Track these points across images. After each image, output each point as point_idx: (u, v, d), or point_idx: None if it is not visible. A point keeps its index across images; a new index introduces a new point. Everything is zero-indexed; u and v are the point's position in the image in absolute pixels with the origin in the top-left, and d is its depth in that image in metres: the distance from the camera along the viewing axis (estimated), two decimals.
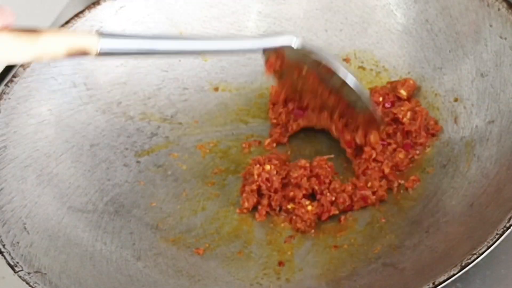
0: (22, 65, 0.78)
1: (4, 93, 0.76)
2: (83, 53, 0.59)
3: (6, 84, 0.77)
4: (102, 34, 0.60)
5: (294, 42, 0.70)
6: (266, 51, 0.72)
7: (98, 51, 0.59)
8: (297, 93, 0.77)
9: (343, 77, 0.71)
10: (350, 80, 0.71)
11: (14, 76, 0.77)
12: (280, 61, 0.72)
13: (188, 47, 0.68)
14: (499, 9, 0.74)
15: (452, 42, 0.78)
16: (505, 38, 0.73)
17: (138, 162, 0.81)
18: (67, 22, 0.81)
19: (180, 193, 0.79)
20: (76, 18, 0.81)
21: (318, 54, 0.71)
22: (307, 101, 0.77)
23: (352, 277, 0.68)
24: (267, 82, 0.85)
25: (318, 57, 0.71)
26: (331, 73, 0.70)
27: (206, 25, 0.86)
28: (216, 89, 0.86)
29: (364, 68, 0.84)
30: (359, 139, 0.75)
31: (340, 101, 0.73)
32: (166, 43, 0.66)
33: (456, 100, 0.76)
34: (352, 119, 0.74)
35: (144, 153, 0.81)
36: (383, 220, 0.72)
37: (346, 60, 0.84)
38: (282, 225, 0.74)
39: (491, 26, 0.75)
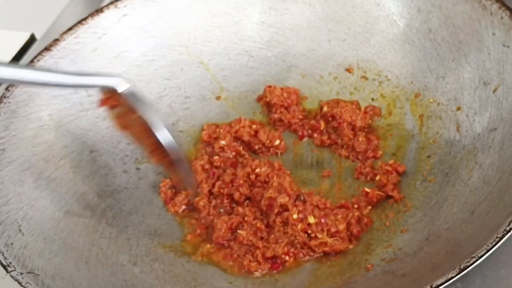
0: None
1: (4, 97, 0.76)
2: None
3: (6, 88, 0.77)
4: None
5: (119, 86, 0.67)
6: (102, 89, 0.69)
7: None
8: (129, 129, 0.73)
9: (160, 139, 0.67)
10: (167, 141, 0.68)
11: None
12: (115, 100, 0.69)
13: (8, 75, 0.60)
14: (502, 18, 0.74)
15: (455, 51, 0.78)
16: (508, 46, 0.73)
17: (137, 169, 0.80)
18: (70, 29, 0.81)
19: None
20: (79, 25, 0.82)
21: (140, 107, 0.67)
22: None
23: (350, 284, 0.67)
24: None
25: (140, 110, 0.67)
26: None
27: (209, 34, 0.86)
28: (218, 98, 0.86)
29: (367, 78, 0.83)
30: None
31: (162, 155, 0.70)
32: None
33: (458, 108, 0.76)
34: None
35: (144, 160, 0.81)
36: (384, 227, 0.71)
37: (349, 70, 0.84)
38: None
39: (494, 34, 0.74)
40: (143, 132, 0.68)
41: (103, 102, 0.69)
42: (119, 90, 0.67)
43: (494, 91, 0.73)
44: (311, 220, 0.70)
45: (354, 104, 0.82)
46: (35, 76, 0.62)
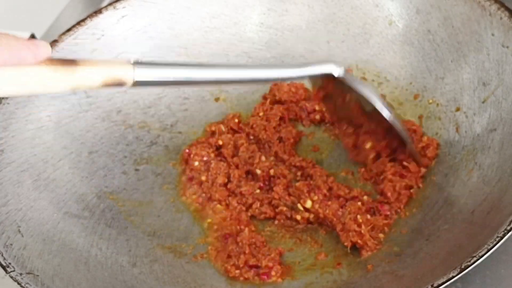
0: None
1: (3, 98, 0.75)
2: (119, 84, 0.58)
3: None
4: (137, 64, 0.58)
5: (335, 71, 0.69)
6: (312, 79, 0.73)
7: (134, 81, 0.58)
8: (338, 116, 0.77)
9: (379, 110, 0.70)
10: (386, 114, 0.71)
11: None
12: (326, 88, 0.72)
13: (226, 76, 0.65)
14: (501, 18, 0.74)
15: (454, 52, 0.78)
16: (507, 47, 0.73)
17: (136, 170, 0.80)
18: (68, 30, 0.81)
19: (179, 202, 0.78)
20: (77, 26, 0.82)
21: (357, 85, 0.70)
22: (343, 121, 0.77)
23: (350, 284, 0.67)
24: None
25: (356, 88, 0.70)
26: (369, 104, 0.70)
27: (208, 36, 0.86)
28: (217, 99, 0.86)
29: (366, 79, 0.83)
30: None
31: (376, 126, 0.73)
32: (204, 72, 0.63)
33: (457, 109, 0.76)
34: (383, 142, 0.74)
35: (143, 162, 0.81)
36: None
37: (348, 71, 0.84)
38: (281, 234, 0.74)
39: (493, 35, 0.74)
40: (357, 113, 0.71)
41: (316, 94, 0.73)
42: (336, 75, 0.69)
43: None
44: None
45: None
46: (260, 74, 0.67)
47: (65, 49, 0.80)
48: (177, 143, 0.83)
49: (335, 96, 0.73)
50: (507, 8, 0.74)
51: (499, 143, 0.70)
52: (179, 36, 0.86)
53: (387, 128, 0.71)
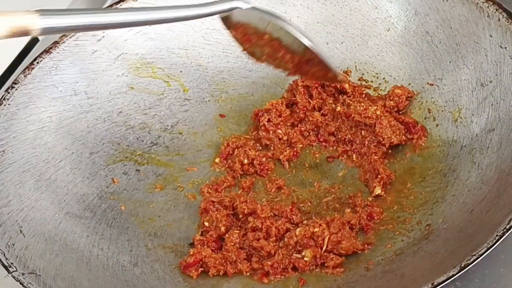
0: (23, 72, 0.78)
1: (4, 99, 0.76)
2: (25, 33, 0.58)
3: (6, 90, 0.77)
4: (42, 12, 0.58)
5: (243, 4, 0.68)
6: (225, 22, 0.71)
7: (39, 29, 0.58)
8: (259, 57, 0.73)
9: (298, 38, 0.68)
10: (306, 42, 0.68)
11: (14, 83, 0.77)
12: (243, 29, 0.71)
13: (133, 18, 0.64)
14: (499, 19, 0.74)
15: (452, 53, 0.78)
16: (505, 48, 0.73)
17: (137, 171, 0.80)
18: None
19: (179, 202, 0.78)
20: None
21: (268, 14, 0.69)
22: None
23: (350, 284, 0.67)
24: (268, 94, 0.86)
25: (269, 17, 0.68)
26: (289, 35, 0.68)
27: (207, 37, 0.87)
28: (217, 100, 0.86)
29: (365, 80, 0.84)
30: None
31: (298, 60, 0.70)
32: (110, 16, 0.62)
33: (456, 110, 0.76)
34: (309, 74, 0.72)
35: (143, 162, 0.81)
36: (383, 228, 0.71)
37: (347, 72, 0.85)
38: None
39: (491, 36, 0.75)
40: (278, 49, 0.69)
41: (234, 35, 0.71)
42: (243, 8, 0.68)
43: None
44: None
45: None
46: (167, 14, 0.65)
47: (65, 50, 0.81)
48: (178, 144, 0.83)
49: (251, 36, 0.71)
50: (505, 10, 0.74)
51: (497, 143, 0.70)
52: (179, 38, 0.86)
53: (307, 58, 0.69)
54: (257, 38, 0.70)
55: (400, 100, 0.80)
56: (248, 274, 0.70)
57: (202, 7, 0.67)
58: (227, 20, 0.70)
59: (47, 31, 0.58)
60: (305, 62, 0.69)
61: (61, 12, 0.60)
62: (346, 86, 0.82)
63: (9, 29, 0.57)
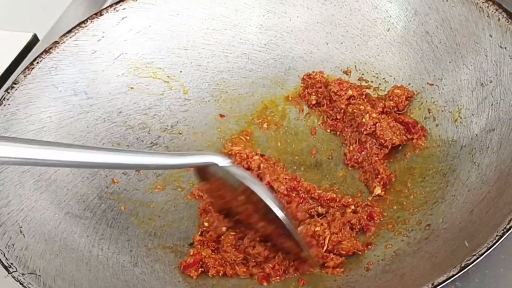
0: (23, 72, 0.78)
1: (4, 99, 0.76)
2: None
3: (6, 90, 0.77)
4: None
5: (220, 161, 0.68)
6: (200, 173, 0.71)
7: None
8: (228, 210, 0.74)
9: (271, 207, 0.66)
10: (279, 214, 0.67)
11: (14, 83, 0.77)
12: (218, 184, 0.70)
13: (101, 160, 0.61)
14: (499, 19, 0.74)
15: (452, 53, 0.78)
16: (505, 48, 0.73)
17: (137, 171, 0.80)
18: (69, 31, 0.82)
19: (179, 202, 0.78)
20: (78, 27, 0.82)
21: (244, 179, 0.67)
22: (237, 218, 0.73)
23: (350, 284, 0.67)
24: (268, 94, 0.86)
25: (244, 182, 0.67)
26: (261, 202, 0.67)
27: (207, 37, 0.87)
28: (217, 100, 0.86)
29: (365, 80, 0.84)
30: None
31: (271, 230, 0.69)
32: (72, 154, 0.59)
33: (456, 110, 0.76)
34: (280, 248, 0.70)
35: None
36: (383, 228, 0.72)
37: (347, 72, 0.85)
38: None
39: (491, 36, 0.75)
40: (251, 214, 0.68)
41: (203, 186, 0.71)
42: (220, 164, 0.67)
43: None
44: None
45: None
46: (133, 160, 0.63)
47: (65, 50, 0.81)
48: (178, 144, 0.83)
49: (225, 193, 0.70)
50: (505, 10, 0.74)
51: (497, 143, 0.70)
52: (179, 38, 0.86)
53: (279, 231, 0.68)
54: (232, 197, 0.69)
55: (400, 100, 0.80)
56: (247, 276, 0.70)
57: (176, 157, 0.67)
58: (202, 172, 0.70)
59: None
60: (278, 235, 0.68)
61: (19, 141, 0.57)
62: (350, 92, 0.82)
63: None
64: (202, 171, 0.70)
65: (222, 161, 0.68)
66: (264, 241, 0.70)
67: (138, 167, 0.67)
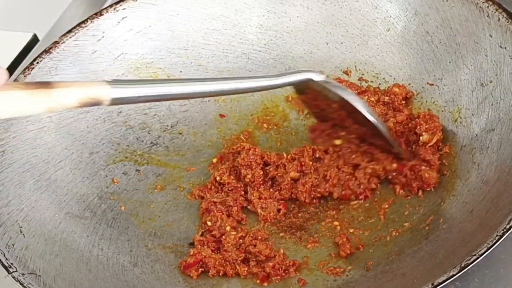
0: (23, 72, 0.78)
1: None
2: (96, 103, 0.59)
3: None
4: (112, 83, 0.60)
5: (315, 77, 0.71)
6: (297, 88, 0.75)
7: (110, 100, 0.59)
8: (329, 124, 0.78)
9: (362, 112, 0.72)
10: (371, 118, 0.72)
11: None
12: (310, 96, 0.74)
13: (204, 89, 0.66)
14: (499, 19, 0.74)
15: (452, 53, 0.78)
16: (505, 48, 0.73)
17: (137, 171, 0.80)
18: (69, 31, 0.82)
19: (180, 202, 0.78)
20: (78, 27, 0.82)
21: (337, 89, 0.72)
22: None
23: (350, 284, 0.67)
24: (268, 93, 0.86)
25: (338, 92, 0.71)
26: (353, 107, 0.72)
27: (207, 37, 0.87)
28: (217, 100, 0.86)
29: (365, 80, 0.84)
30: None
31: (364, 131, 0.74)
32: (180, 87, 0.64)
33: (456, 110, 0.76)
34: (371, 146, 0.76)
35: (143, 162, 0.81)
36: (383, 228, 0.72)
37: (347, 72, 0.85)
38: (282, 234, 0.74)
39: (491, 36, 0.75)
40: (345, 119, 0.73)
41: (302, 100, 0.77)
42: (316, 79, 0.71)
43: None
44: None
45: None
46: (239, 85, 0.68)
47: (65, 50, 0.81)
48: (178, 144, 0.83)
49: (320, 102, 0.74)
50: (505, 10, 0.74)
51: (497, 143, 0.70)
52: (179, 38, 0.86)
53: (372, 132, 0.73)
54: (326, 105, 0.73)
55: (396, 99, 0.80)
56: (247, 276, 0.70)
57: (276, 78, 0.70)
58: (298, 87, 0.74)
59: (117, 101, 0.60)
60: (370, 135, 0.73)
61: (130, 83, 0.63)
62: None
63: (80, 100, 0.58)
64: (299, 86, 0.73)
65: (318, 77, 0.71)
66: (361, 141, 0.76)
67: (240, 92, 0.71)
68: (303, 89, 0.73)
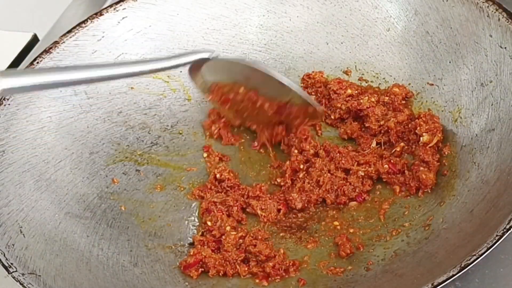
0: None
1: (4, 99, 0.76)
2: None
3: None
4: (3, 74, 0.60)
5: (209, 55, 0.72)
6: (202, 88, 0.76)
7: (1, 90, 0.60)
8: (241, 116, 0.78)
9: (274, 76, 0.71)
10: (280, 77, 0.71)
11: None
12: (218, 89, 0.75)
13: (100, 73, 0.67)
14: (499, 19, 0.74)
15: (452, 53, 0.78)
16: (505, 48, 0.73)
17: (137, 171, 0.80)
18: (69, 31, 0.82)
19: (180, 202, 0.78)
20: (78, 27, 0.82)
21: (236, 60, 0.73)
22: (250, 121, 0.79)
23: (350, 284, 0.67)
24: None
25: (239, 62, 0.72)
26: (262, 76, 0.71)
27: (207, 37, 0.87)
28: None
29: (365, 80, 0.84)
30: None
31: (277, 106, 0.74)
32: (74, 74, 0.65)
33: (456, 110, 0.76)
34: (291, 117, 0.75)
35: (143, 162, 0.81)
36: (383, 228, 0.72)
37: (347, 72, 0.85)
38: (282, 234, 0.74)
39: (491, 36, 0.75)
40: (256, 100, 0.73)
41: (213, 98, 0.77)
42: (210, 57, 0.72)
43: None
44: None
45: None
46: (134, 68, 0.69)
47: (65, 50, 0.81)
48: (178, 144, 0.83)
49: (228, 94, 0.74)
50: (505, 10, 0.74)
51: (497, 143, 0.70)
52: (179, 38, 0.86)
53: (286, 100, 0.73)
54: (234, 94, 0.73)
55: (396, 99, 0.80)
56: (247, 276, 0.70)
57: (169, 60, 0.71)
58: (203, 86, 0.75)
59: (8, 91, 0.61)
60: (284, 106, 0.72)
61: (24, 73, 0.63)
62: (349, 91, 0.82)
63: None
64: (205, 84, 0.75)
65: (209, 54, 0.72)
66: (279, 123, 0.76)
67: (135, 74, 0.71)
68: (207, 85, 0.74)
